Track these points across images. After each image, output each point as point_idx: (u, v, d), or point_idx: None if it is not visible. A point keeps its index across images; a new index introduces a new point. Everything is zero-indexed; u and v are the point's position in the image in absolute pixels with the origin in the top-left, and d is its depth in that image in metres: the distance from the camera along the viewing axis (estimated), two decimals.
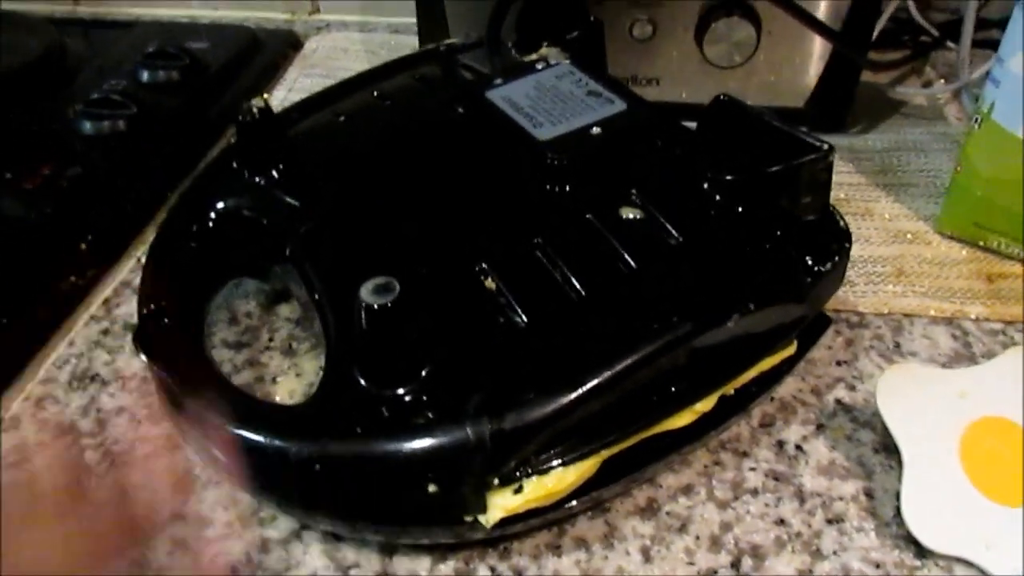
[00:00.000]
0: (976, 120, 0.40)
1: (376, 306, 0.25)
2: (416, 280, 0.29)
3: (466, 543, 0.29)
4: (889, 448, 0.32)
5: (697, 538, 0.30)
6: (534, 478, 0.26)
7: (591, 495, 0.28)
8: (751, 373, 0.31)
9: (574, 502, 0.28)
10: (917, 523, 0.29)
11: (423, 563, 0.29)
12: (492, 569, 0.29)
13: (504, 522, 0.27)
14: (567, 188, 0.33)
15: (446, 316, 0.28)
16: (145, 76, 0.54)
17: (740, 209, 0.31)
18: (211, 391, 0.28)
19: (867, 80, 0.56)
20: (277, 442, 0.26)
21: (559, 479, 0.26)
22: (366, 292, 0.25)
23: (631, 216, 0.31)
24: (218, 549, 0.29)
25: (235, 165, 0.36)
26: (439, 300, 0.29)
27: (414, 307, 0.26)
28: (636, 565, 0.29)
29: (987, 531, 0.29)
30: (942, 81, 0.57)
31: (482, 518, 0.26)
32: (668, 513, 0.30)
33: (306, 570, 0.29)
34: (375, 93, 0.41)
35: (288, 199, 0.35)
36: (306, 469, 0.26)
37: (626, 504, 0.31)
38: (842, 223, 0.32)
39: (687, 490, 0.31)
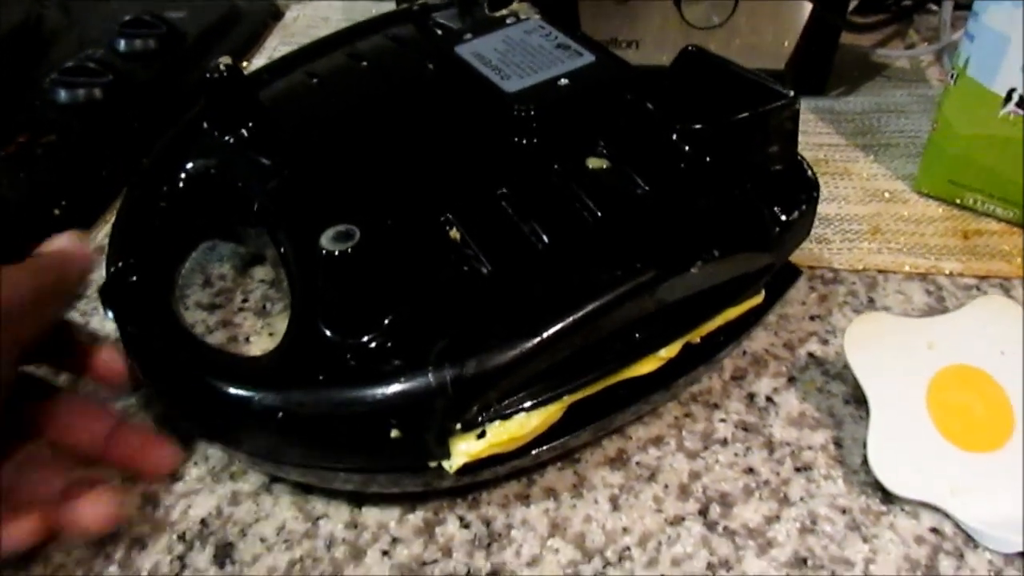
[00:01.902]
0: (952, 76, 0.40)
1: (336, 252, 0.25)
2: (380, 230, 0.29)
3: (435, 492, 0.29)
4: (859, 400, 0.32)
5: (666, 487, 0.30)
6: (497, 423, 0.26)
7: (558, 442, 0.28)
8: (717, 322, 0.31)
9: (543, 447, 0.28)
10: (883, 469, 0.29)
11: (392, 513, 0.29)
12: (461, 519, 0.29)
13: (471, 469, 0.27)
14: (534, 140, 0.33)
15: (410, 265, 0.28)
16: (122, 45, 0.54)
17: (708, 159, 0.31)
18: (176, 344, 0.28)
19: (849, 43, 0.56)
20: (241, 392, 0.26)
21: (522, 424, 0.27)
22: (326, 239, 0.25)
23: (598, 166, 0.31)
24: (188, 503, 0.30)
25: (205, 125, 0.36)
26: (403, 249, 0.29)
27: (377, 256, 0.26)
28: (604, 513, 0.29)
29: (952, 477, 0.29)
30: (925, 44, 0.57)
31: (446, 464, 0.26)
32: (638, 463, 0.31)
33: (275, 522, 0.29)
34: (347, 53, 0.41)
35: (258, 158, 0.34)
36: (270, 418, 0.26)
37: (596, 455, 0.31)
38: (810, 172, 0.32)
39: (657, 441, 0.31)
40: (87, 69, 0.49)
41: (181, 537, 0.28)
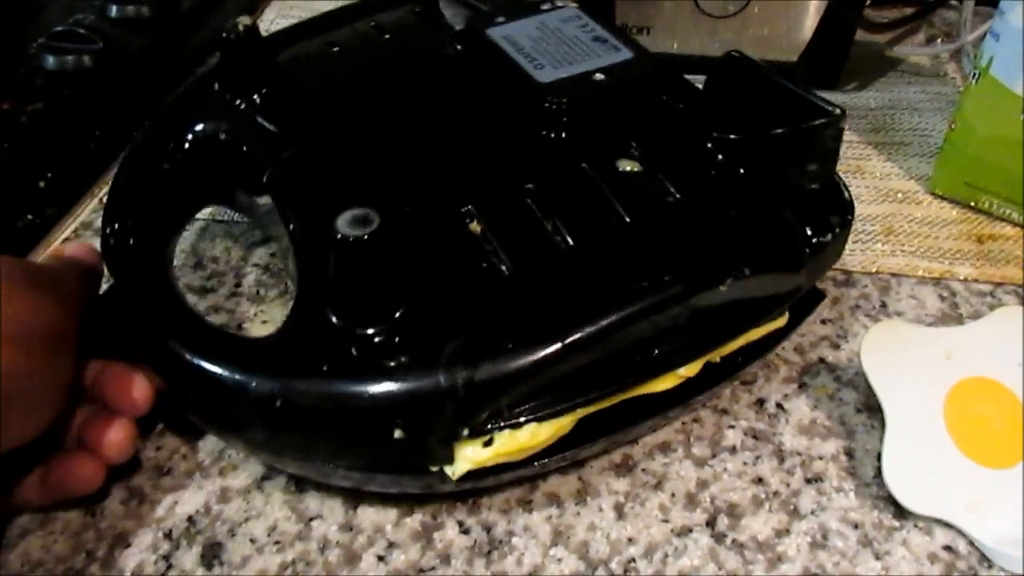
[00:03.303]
0: (974, 75, 0.39)
1: (352, 238, 0.23)
2: (398, 217, 0.27)
3: (434, 495, 0.28)
4: (872, 408, 0.31)
5: (672, 495, 0.29)
6: (506, 431, 0.25)
7: (567, 453, 0.27)
8: (739, 342, 0.30)
9: (551, 458, 0.27)
10: (897, 484, 0.28)
11: (389, 515, 0.28)
12: (460, 524, 0.28)
13: (474, 475, 0.26)
14: (564, 134, 0.31)
15: (427, 257, 0.27)
16: (114, 11, 0.51)
17: (742, 171, 0.30)
18: (169, 317, 0.27)
19: (866, 38, 0.54)
20: (238, 375, 0.25)
21: (532, 435, 0.25)
22: (343, 223, 0.23)
23: (629, 169, 0.30)
24: (175, 498, 0.28)
25: (217, 87, 0.34)
26: (420, 240, 0.27)
27: (393, 244, 0.24)
28: (609, 522, 0.28)
29: (968, 493, 0.28)
30: (942, 40, 0.55)
31: (448, 469, 0.25)
32: (644, 470, 0.30)
33: (267, 521, 0.28)
34: (371, 24, 0.39)
35: (270, 126, 0.33)
36: (267, 406, 0.24)
37: (601, 461, 0.30)
38: (846, 194, 0.31)
39: (664, 447, 0.30)
40: (77, 35, 0.47)
41: (167, 535, 0.27)
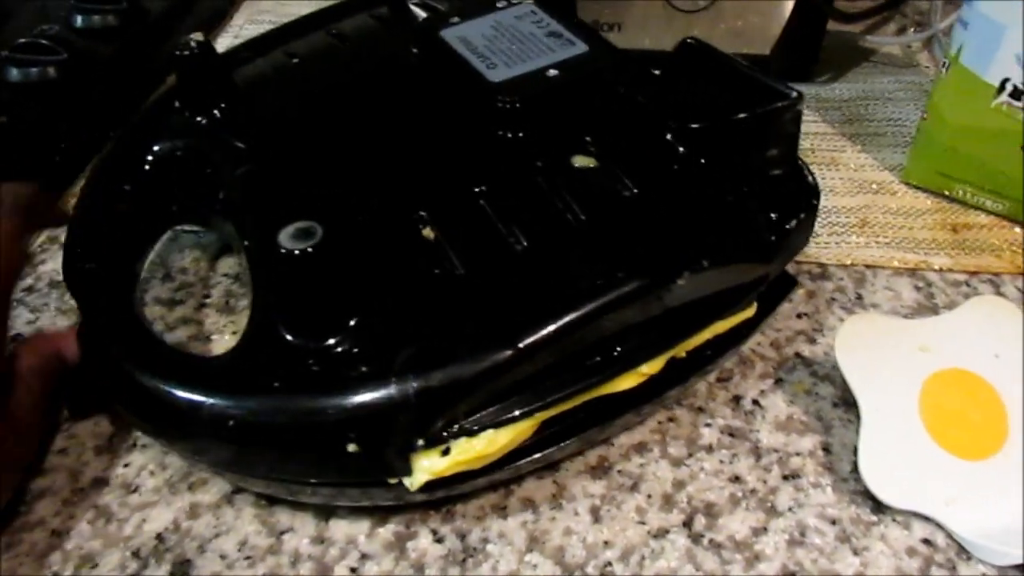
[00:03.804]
0: (944, 64, 0.39)
1: (296, 252, 0.23)
2: (347, 226, 0.27)
3: (407, 505, 0.28)
4: (848, 402, 0.31)
5: (649, 497, 0.28)
6: (462, 440, 0.25)
7: (535, 457, 0.27)
8: (705, 335, 0.29)
9: (518, 462, 0.27)
10: (874, 478, 0.28)
11: (361, 527, 0.27)
12: (434, 532, 0.27)
13: (443, 483, 0.25)
14: (517, 134, 0.31)
15: (378, 266, 0.26)
16: (79, 21, 0.51)
17: (703, 160, 0.30)
18: (127, 338, 0.26)
19: (838, 28, 0.54)
20: (191, 396, 0.24)
21: (490, 442, 0.25)
22: (285, 237, 0.23)
23: (584, 165, 0.30)
24: (143, 516, 0.28)
25: (177, 104, 0.34)
26: (371, 249, 0.27)
27: (340, 255, 0.24)
28: (585, 525, 0.28)
29: (946, 486, 0.28)
30: (914, 30, 0.55)
31: (407, 481, 0.25)
32: (620, 472, 0.29)
33: (237, 536, 0.27)
34: (329, 32, 0.39)
35: (229, 141, 0.32)
36: (221, 426, 0.24)
37: (576, 463, 0.29)
38: (811, 178, 0.31)
39: (640, 448, 0.30)
40: (40, 46, 0.47)
41: (135, 554, 0.27)
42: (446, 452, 0.25)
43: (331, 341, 0.24)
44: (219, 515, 0.28)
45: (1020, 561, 0.26)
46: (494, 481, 0.27)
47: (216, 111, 0.33)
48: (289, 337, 0.24)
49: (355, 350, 0.24)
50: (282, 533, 0.27)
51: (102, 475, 0.29)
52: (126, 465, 0.29)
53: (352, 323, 0.24)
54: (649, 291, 0.26)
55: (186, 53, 0.32)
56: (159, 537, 0.27)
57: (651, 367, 0.27)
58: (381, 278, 0.26)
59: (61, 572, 0.26)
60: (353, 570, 0.26)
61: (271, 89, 0.35)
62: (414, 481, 0.25)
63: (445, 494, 0.26)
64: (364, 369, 0.24)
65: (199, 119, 0.33)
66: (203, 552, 0.27)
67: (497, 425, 0.25)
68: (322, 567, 0.26)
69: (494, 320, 0.25)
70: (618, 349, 0.27)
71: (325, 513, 0.28)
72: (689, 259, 0.26)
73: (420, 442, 0.24)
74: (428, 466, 0.24)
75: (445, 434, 0.24)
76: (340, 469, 0.24)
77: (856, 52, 0.54)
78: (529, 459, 0.27)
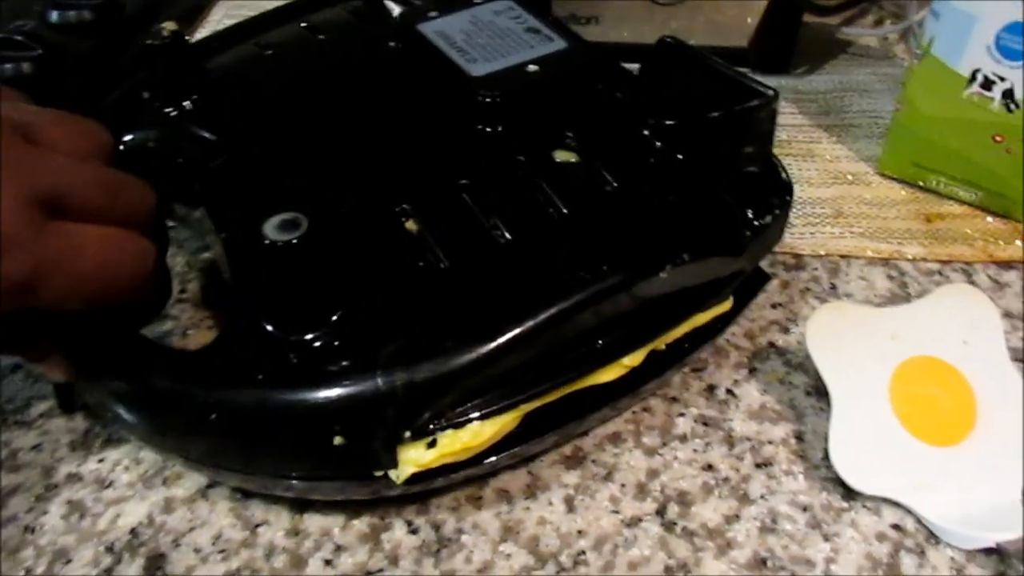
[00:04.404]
0: (916, 56, 0.39)
1: (280, 243, 0.23)
2: (330, 219, 0.27)
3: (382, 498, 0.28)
4: (821, 391, 0.31)
5: (623, 486, 0.29)
6: (449, 431, 0.25)
7: (515, 450, 0.27)
8: (683, 328, 0.29)
9: (500, 455, 0.27)
10: (844, 465, 0.28)
11: (336, 519, 0.28)
12: (409, 524, 0.28)
13: (421, 478, 0.25)
14: (498, 128, 0.31)
15: (362, 258, 0.26)
16: (54, 16, 0.50)
17: (680, 157, 0.30)
18: (104, 331, 0.26)
19: (815, 21, 0.55)
20: (171, 388, 0.24)
21: (476, 434, 0.25)
22: (270, 228, 0.23)
23: (565, 159, 0.30)
24: (117, 511, 0.28)
25: (146, 96, 0.34)
26: (354, 241, 0.27)
27: (325, 247, 0.24)
28: (559, 515, 0.28)
29: (915, 471, 0.28)
30: (891, 22, 0.56)
31: (393, 473, 0.25)
32: (594, 462, 0.29)
33: (211, 530, 0.27)
34: (303, 25, 0.38)
35: (201, 133, 0.32)
36: (201, 419, 0.24)
37: (551, 454, 0.30)
38: (784, 175, 0.31)
39: (615, 438, 0.30)
40: (14, 42, 0.46)
41: (109, 548, 0.27)
42: (432, 444, 0.25)
43: (316, 333, 0.24)
44: (193, 509, 0.28)
45: (988, 545, 0.26)
46: (472, 475, 0.27)
47: (187, 103, 0.33)
48: (272, 329, 0.24)
49: (341, 342, 0.24)
50: (257, 526, 0.27)
51: (76, 471, 0.29)
52: (100, 460, 0.29)
53: (337, 315, 0.24)
54: (632, 284, 0.26)
55: (157, 43, 0.32)
56: (133, 532, 0.27)
57: (632, 359, 0.27)
58: (366, 270, 0.26)
59: (34, 568, 0.26)
60: (328, 562, 0.26)
61: (244, 81, 0.35)
62: (400, 474, 0.25)
63: (422, 488, 0.26)
64: (348, 362, 0.23)
65: (169, 111, 0.33)
66: (177, 546, 0.27)
67: (483, 417, 0.25)
68: (297, 559, 0.26)
69: (479, 312, 0.25)
70: (600, 342, 0.27)
71: (300, 506, 0.28)
72: (671, 253, 0.27)
73: (407, 434, 0.24)
74: (414, 458, 0.24)
75: (431, 426, 0.24)
76: (325, 462, 0.24)
77: (833, 44, 0.54)
78: (508, 453, 0.27)
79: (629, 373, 0.28)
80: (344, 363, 0.24)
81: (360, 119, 0.33)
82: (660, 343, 0.29)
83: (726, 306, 0.31)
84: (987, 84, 0.37)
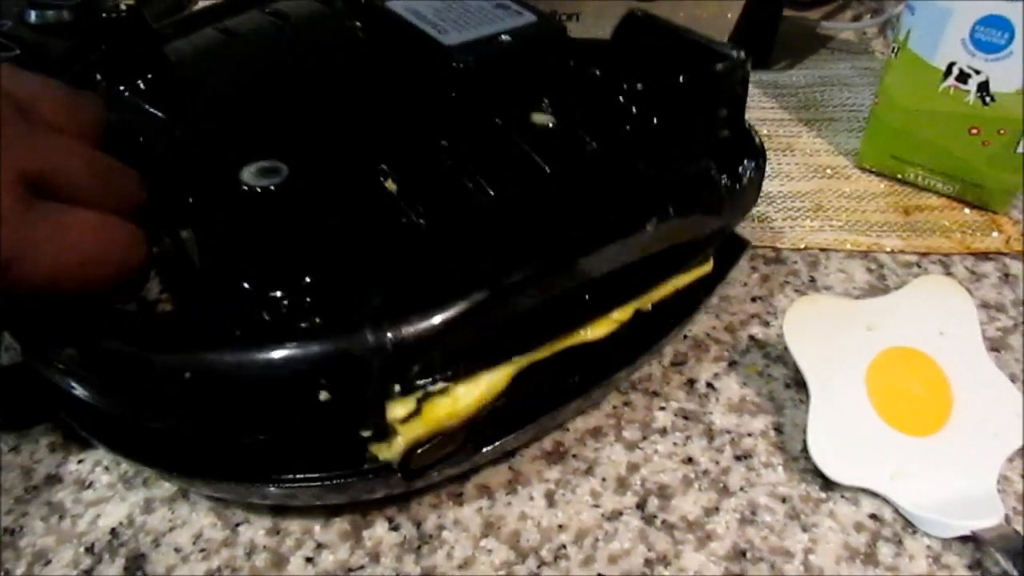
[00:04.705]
0: (893, 50, 0.39)
1: (259, 189, 0.22)
2: (308, 174, 0.26)
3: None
4: (800, 383, 0.31)
5: (603, 480, 0.29)
6: (439, 385, 0.24)
7: (491, 447, 0.27)
8: (668, 288, 0.30)
9: (489, 447, 0.27)
10: (822, 456, 0.28)
11: (317, 518, 0.28)
12: (390, 520, 0.28)
13: (413, 474, 0.25)
14: (474, 94, 0.31)
15: (341, 214, 0.26)
16: (33, 16, 0.50)
17: (655, 121, 0.30)
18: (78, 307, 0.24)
19: (796, 15, 0.55)
20: (138, 351, 0.23)
21: (467, 390, 0.25)
22: (248, 174, 0.22)
23: (543, 123, 0.30)
24: (98, 512, 0.28)
25: (98, 76, 0.33)
26: (333, 197, 0.26)
27: (305, 197, 0.23)
28: (540, 510, 0.28)
29: (892, 461, 0.28)
30: (869, 16, 0.56)
31: (384, 453, 0.24)
32: (575, 456, 0.30)
33: (192, 529, 0.27)
34: (267, 11, 0.38)
35: (156, 113, 0.31)
36: (173, 380, 0.22)
37: (532, 449, 0.30)
38: (757, 140, 0.32)
39: (595, 432, 0.30)
40: None
41: (89, 549, 0.27)
42: (422, 400, 0.24)
43: (293, 288, 0.23)
44: (174, 509, 0.28)
45: (964, 533, 0.27)
46: (453, 475, 0.27)
47: (141, 82, 0.32)
48: (248, 285, 0.23)
49: (318, 297, 0.23)
50: (237, 525, 0.27)
51: (56, 472, 0.29)
52: (80, 461, 0.29)
53: (316, 269, 0.23)
54: (619, 237, 0.26)
55: (114, 17, 0.31)
56: (113, 532, 0.27)
57: (621, 314, 0.27)
58: (345, 226, 0.25)
59: (13, 570, 0.26)
60: (309, 560, 0.26)
61: (205, 62, 0.34)
62: (394, 447, 0.24)
63: (405, 489, 0.26)
64: (330, 316, 0.23)
65: (122, 89, 0.32)
66: (157, 546, 0.27)
67: (470, 371, 0.24)
68: (277, 558, 0.27)
69: (469, 264, 0.24)
70: (588, 296, 0.27)
71: (281, 505, 0.28)
72: (653, 208, 0.27)
73: (396, 388, 0.23)
74: (404, 428, 0.24)
75: (420, 382, 0.24)
76: (311, 418, 0.23)
77: (813, 39, 0.54)
78: (489, 448, 0.27)
79: (622, 339, 0.28)
80: (326, 317, 0.23)
81: (333, 92, 0.32)
82: (646, 301, 0.29)
83: (707, 268, 0.31)
84: (963, 77, 0.37)
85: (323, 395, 0.23)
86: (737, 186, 0.29)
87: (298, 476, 0.25)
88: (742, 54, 0.29)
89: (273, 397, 0.23)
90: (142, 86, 0.32)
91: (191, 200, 0.27)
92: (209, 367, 0.23)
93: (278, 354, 0.22)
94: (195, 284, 0.25)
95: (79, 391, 0.24)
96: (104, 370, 0.24)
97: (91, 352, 0.24)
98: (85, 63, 0.34)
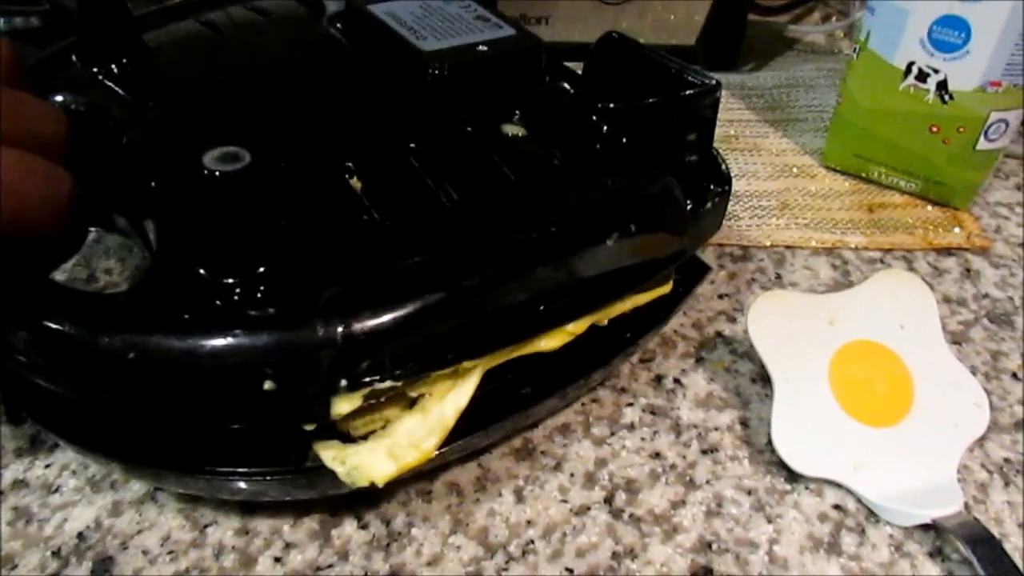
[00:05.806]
0: (855, 51, 0.40)
1: (219, 173, 0.22)
2: (272, 165, 0.26)
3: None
4: (766, 378, 0.32)
5: (572, 476, 0.29)
6: (387, 383, 0.24)
7: (460, 443, 0.27)
8: (626, 305, 0.30)
9: (452, 445, 0.27)
10: (786, 448, 0.29)
11: (286, 516, 0.28)
12: (359, 518, 0.28)
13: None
14: (447, 100, 0.31)
15: (302, 207, 0.26)
16: (1, 23, 0.50)
17: (624, 140, 0.30)
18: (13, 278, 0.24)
19: (764, 19, 0.56)
20: (87, 333, 0.23)
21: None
22: (210, 159, 0.22)
23: (514, 133, 0.30)
24: (65, 515, 0.28)
25: (74, 58, 0.33)
26: (296, 190, 0.26)
27: (268, 184, 0.23)
28: (508, 506, 0.28)
29: (855, 453, 0.29)
30: (835, 18, 0.57)
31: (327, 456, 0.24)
32: (544, 453, 0.30)
33: (160, 532, 0.27)
34: (248, 7, 0.38)
35: (127, 95, 0.31)
36: (117, 360, 0.22)
37: (501, 447, 0.30)
38: (723, 167, 0.32)
39: (564, 429, 0.31)
40: None
41: (56, 553, 0.27)
42: (368, 397, 0.24)
43: (250, 275, 0.23)
44: (142, 511, 0.28)
45: (925, 521, 0.27)
46: (422, 470, 0.28)
47: (115, 65, 0.32)
48: (204, 271, 0.23)
49: (273, 286, 0.23)
50: (206, 526, 0.27)
51: (22, 476, 0.29)
52: (47, 466, 0.29)
53: (274, 257, 0.23)
54: (580, 248, 0.26)
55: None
56: (80, 536, 0.27)
57: (576, 327, 0.28)
58: (306, 218, 0.25)
59: None
60: (277, 560, 0.26)
61: (185, 52, 0.34)
62: (336, 409, 0.24)
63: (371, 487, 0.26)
64: (283, 306, 0.23)
65: (96, 71, 0.32)
66: (125, 549, 0.27)
67: (420, 371, 0.24)
68: (246, 558, 0.27)
69: (426, 265, 0.24)
70: (543, 306, 0.27)
71: (249, 505, 0.28)
72: (618, 221, 0.27)
73: (343, 383, 0.23)
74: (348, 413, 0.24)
75: (367, 379, 0.24)
76: (254, 409, 0.23)
77: (780, 41, 0.55)
78: (454, 445, 0.27)
79: (575, 357, 0.28)
80: (279, 307, 0.23)
81: (305, 88, 0.32)
82: (603, 316, 0.29)
83: (666, 289, 0.31)
84: (922, 76, 0.38)
85: (268, 385, 0.22)
86: (700, 209, 0.30)
87: (265, 469, 0.25)
88: (714, 81, 0.30)
89: (217, 384, 0.23)
90: (115, 69, 0.32)
91: (153, 184, 0.27)
92: (154, 349, 0.22)
93: (223, 341, 0.22)
94: (151, 266, 0.25)
95: (25, 365, 0.23)
96: (49, 347, 0.23)
97: (36, 328, 0.23)
98: (60, 44, 0.33)
